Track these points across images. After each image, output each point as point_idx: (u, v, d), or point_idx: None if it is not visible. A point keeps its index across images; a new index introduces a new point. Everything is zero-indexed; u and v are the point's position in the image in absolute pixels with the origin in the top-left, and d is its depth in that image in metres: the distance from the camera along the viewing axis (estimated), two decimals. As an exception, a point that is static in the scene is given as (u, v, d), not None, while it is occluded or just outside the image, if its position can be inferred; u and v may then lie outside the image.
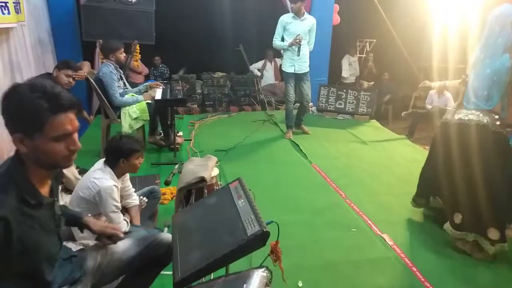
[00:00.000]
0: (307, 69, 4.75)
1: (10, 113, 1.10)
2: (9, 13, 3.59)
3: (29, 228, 1.11)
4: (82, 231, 1.58)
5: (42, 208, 1.17)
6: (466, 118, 2.48)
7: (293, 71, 4.69)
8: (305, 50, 4.65)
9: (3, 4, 3.49)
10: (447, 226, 2.59)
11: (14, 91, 1.10)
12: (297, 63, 4.64)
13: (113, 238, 1.56)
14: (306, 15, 4.65)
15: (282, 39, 4.68)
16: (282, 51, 4.77)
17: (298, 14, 4.56)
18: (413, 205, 2.99)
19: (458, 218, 2.50)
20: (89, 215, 1.72)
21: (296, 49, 4.54)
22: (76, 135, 1.17)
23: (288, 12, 4.66)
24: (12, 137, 1.10)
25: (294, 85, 4.79)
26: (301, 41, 4.50)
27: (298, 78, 4.75)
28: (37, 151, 1.11)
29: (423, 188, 2.93)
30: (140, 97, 3.94)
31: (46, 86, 1.11)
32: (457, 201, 2.51)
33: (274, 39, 4.71)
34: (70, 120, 1.13)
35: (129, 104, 3.83)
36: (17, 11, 3.81)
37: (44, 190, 1.20)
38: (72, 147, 1.16)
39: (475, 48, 2.46)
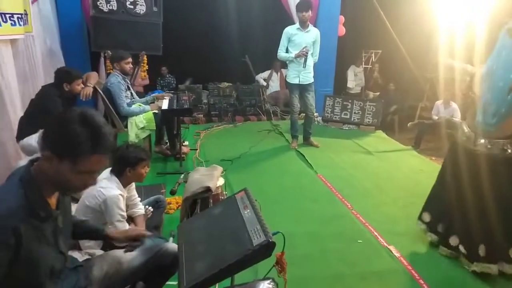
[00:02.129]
0: (312, 80, 4.78)
1: (53, 133, 1.12)
2: (14, 24, 3.68)
3: (35, 242, 1.12)
4: (107, 243, 1.59)
5: (49, 221, 1.18)
6: (476, 148, 2.41)
7: (297, 82, 4.72)
8: (310, 61, 4.69)
9: (10, 15, 3.57)
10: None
11: (64, 115, 1.13)
12: (302, 74, 4.68)
13: (140, 238, 1.60)
14: (311, 26, 4.71)
15: (287, 51, 4.73)
16: (287, 62, 4.81)
17: (303, 26, 4.61)
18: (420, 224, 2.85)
19: (482, 250, 2.35)
20: (110, 226, 1.74)
21: (302, 61, 4.58)
22: (97, 173, 1.21)
23: (293, 23, 4.70)
24: (42, 152, 1.12)
25: (298, 96, 4.84)
26: (307, 53, 4.55)
27: (303, 89, 4.79)
28: (58, 174, 1.13)
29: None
30: (147, 107, 3.98)
31: (96, 123, 1.13)
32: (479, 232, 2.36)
33: (279, 51, 4.76)
34: (101, 161, 1.16)
35: (136, 114, 3.87)
36: (24, 22, 3.88)
37: (52, 202, 1.21)
38: (90, 183, 1.20)
39: (487, 60, 2.41)
